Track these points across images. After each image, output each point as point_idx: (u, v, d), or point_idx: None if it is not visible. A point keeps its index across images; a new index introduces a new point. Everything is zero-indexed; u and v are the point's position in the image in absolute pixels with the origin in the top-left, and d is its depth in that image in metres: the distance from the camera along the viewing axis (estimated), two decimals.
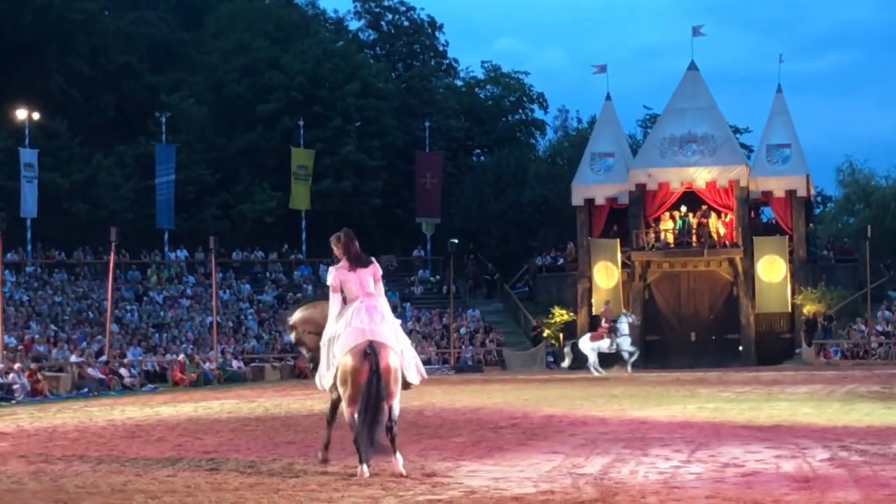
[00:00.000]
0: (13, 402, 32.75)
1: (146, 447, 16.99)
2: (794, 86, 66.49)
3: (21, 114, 54.12)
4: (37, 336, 43.82)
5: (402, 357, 13.22)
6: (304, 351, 14.69)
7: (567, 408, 23.53)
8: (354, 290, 13.45)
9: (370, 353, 12.70)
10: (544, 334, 52.66)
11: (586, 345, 43.76)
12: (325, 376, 13.40)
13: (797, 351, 50.61)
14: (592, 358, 43.27)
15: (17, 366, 35.69)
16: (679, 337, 52.73)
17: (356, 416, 12.66)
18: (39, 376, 36.38)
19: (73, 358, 40.68)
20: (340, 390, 13.06)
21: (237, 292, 57.33)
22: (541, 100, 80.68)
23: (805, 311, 51.23)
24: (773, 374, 38.49)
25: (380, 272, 13.80)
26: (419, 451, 15.42)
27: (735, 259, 52.17)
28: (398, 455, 12.82)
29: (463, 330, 54.58)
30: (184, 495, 11.51)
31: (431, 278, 62.08)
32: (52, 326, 46.66)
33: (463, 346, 53.08)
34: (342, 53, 68.13)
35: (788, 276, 52.00)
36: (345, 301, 13.45)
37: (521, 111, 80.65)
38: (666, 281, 53.42)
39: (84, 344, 43.55)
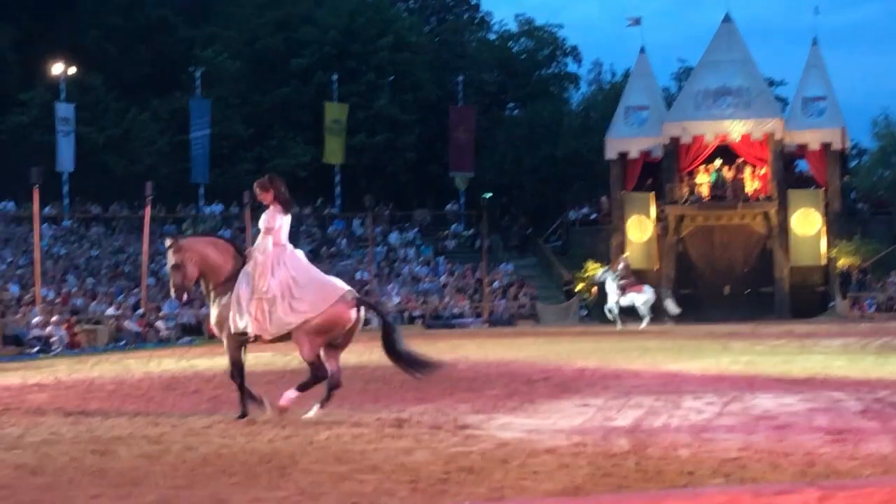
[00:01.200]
0: (51, 354, 33.06)
1: (182, 399, 17.14)
2: (830, 38, 66.02)
3: (57, 68, 54.33)
4: (74, 289, 44.15)
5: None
6: (175, 277, 14.36)
7: (600, 361, 23.57)
8: (283, 237, 14.17)
9: (358, 306, 14.14)
10: (577, 288, 52.66)
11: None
12: (281, 323, 13.97)
13: (831, 304, 50.52)
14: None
15: (55, 319, 36.01)
16: (713, 290, 52.65)
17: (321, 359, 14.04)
18: (77, 329, 36.72)
19: (110, 311, 41.00)
20: (315, 338, 13.92)
21: None
22: (574, 53, 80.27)
23: (839, 264, 51.07)
24: (807, 328, 38.44)
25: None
26: (452, 403, 15.50)
27: (769, 212, 52.01)
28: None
29: (496, 284, 54.61)
30: (219, 447, 11.62)
31: (465, 232, 62.08)
32: (90, 280, 46.97)
33: (496, 300, 53.13)
34: (375, 7, 67.99)
35: (823, 229, 51.81)
36: None
37: (554, 64, 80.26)
38: (700, 234, 53.31)
39: (121, 297, 43.86)
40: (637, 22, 56.68)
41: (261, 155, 62.65)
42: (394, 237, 59.74)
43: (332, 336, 14.06)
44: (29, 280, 42.85)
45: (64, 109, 54.29)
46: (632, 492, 8.57)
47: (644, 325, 42.35)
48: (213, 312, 14.39)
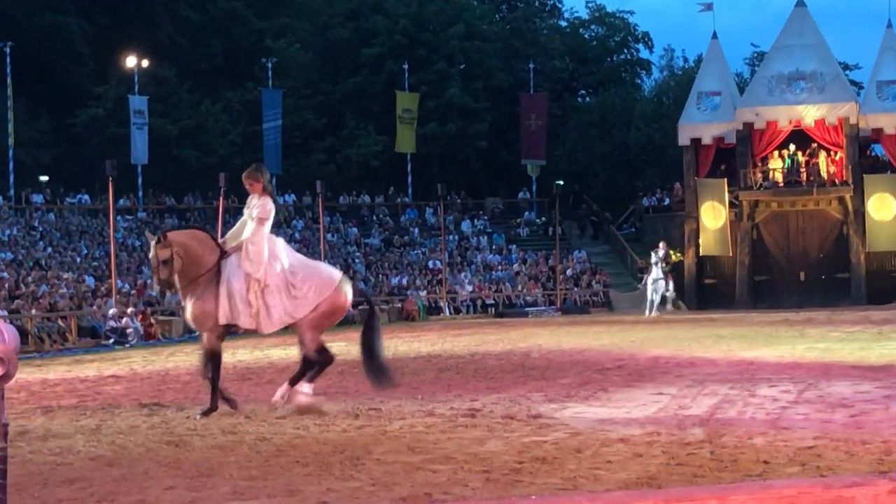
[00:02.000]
0: (127, 345, 33.40)
1: (256, 390, 17.25)
2: None
3: (130, 61, 54.82)
4: (149, 280, 44.41)
5: None
6: (162, 272, 13.94)
7: (675, 349, 23.46)
8: (269, 227, 14.18)
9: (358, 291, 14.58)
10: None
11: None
12: (286, 315, 14.06)
13: None
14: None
15: (130, 310, 36.36)
16: (788, 277, 52.18)
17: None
18: (152, 320, 37.05)
19: None
20: (319, 326, 14.04)
21: (344, 236, 57.71)
22: (646, 39, 79.97)
23: None
24: (884, 314, 37.99)
25: None
26: (525, 392, 15.49)
27: (845, 197, 51.45)
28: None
29: (569, 271, 54.50)
30: (293, 437, 11.68)
31: (537, 220, 62.02)
32: None
33: (569, 288, 53.02)
34: None
35: None
36: None
37: (626, 51, 80.00)
38: (774, 220, 52.84)
39: None
40: (709, 7, 56.22)
41: (332, 145, 62.95)
42: (466, 225, 59.78)
43: (333, 321, 14.32)
44: (104, 272, 43.30)
45: (138, 102, 54.78)
46: (701, 484, 8.51)
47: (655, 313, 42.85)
48: (191, 306, 14.11)
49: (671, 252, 52.51)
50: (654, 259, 43.83)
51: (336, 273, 14.39)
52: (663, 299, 43.75)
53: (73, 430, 12.83)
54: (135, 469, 9.96)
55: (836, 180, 51.97)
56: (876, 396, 13.81)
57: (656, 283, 43.40)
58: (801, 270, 52.12)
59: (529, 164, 63.52)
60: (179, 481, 9.30)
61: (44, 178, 54.66)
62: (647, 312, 42.92)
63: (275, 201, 14.45)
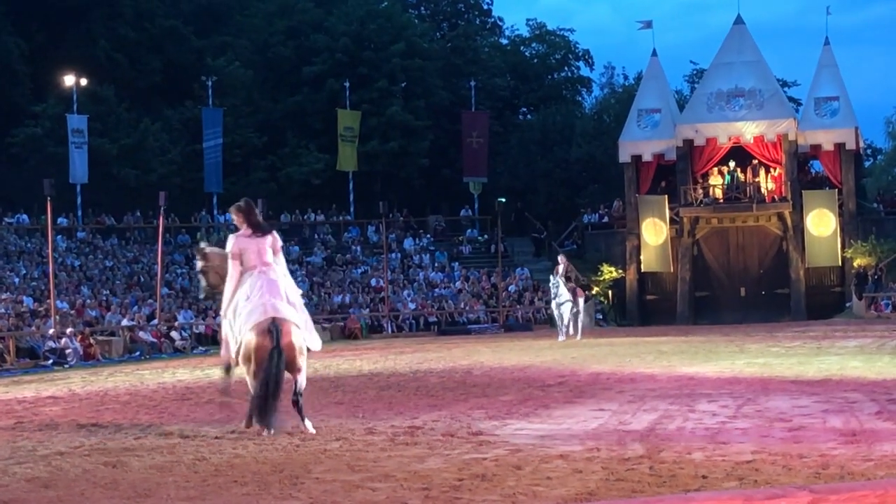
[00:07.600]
0: (66, 366, 33.10)
1: (196, 410, 17.13)
2: (842, 38, 65.86)
3: (69, 80, 54.39)
4: (88, 300, 44.14)
5: (304, 329, 13.67)
6: (202, 281, 14.86)
7: (615, 365, 23.55)
8: (253, 258, 13.91)
9: (272, 331, 13.14)
10: (593, 292, 52.55)
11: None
12: (232, 349, 13.69)
13: (847, 304, 50.42)
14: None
15: (69, 330, 36.06)
16: (728, 292, 52.61)
17: (259, 387, 13.11)
18: (92, 340, 36.73)
19: (125, 322, 41.01)
20: (244, 366, 13.49)
21: (286, 254, 57.19)
22: (587, 57, 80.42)
23: (855, 264, 50.93)
24: (823, 329, 38.33)
25: (279, 243, 14.27)
26: (466, 409, 15.49)
27: (784, 213, 51.92)
28: (306, 421, 13.43)
29: (512, 288, 54.56)
30: (231, 457, 11.61)
31: (479, 237, 62.04)
32: (104, 291, 46.95)
33: (511, 305, 53.04)
34: (387, 14, 67.97)
35: (838, 229, 51.67)
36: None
37: (566, 69, 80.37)
38: (715, 237, 53.25)
39: (135, 308, 43.83)
40: (648, 25, 56.65)
41: (274, 163, 62.72)
42: (408, 243, 59.71)
43: (257, 367, 13.56)
44: (43, 292, 42.91)
45: (76, 121, 54.34)
46: (615, 498, 8.54)
47: (577, 335, 37.19)
48: None
49: (612, 269, 52.71)
50: (552, 279, 37.67)
51: (259, 314, 13.45)
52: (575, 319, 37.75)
53: (9, 452, 12.69)
54: (72, 490, 9.86)
55: (776, 196, 52.49)
56: (814, 411, 13.91)
57: (561, 305, 37.04)
58: (742, 286, 52.61)
59: (471, 182, 63.54)
60: (117, 502, 9.22)
61: None
62: (559, 337, 36.69)
63: (256, 230, 14.15)
